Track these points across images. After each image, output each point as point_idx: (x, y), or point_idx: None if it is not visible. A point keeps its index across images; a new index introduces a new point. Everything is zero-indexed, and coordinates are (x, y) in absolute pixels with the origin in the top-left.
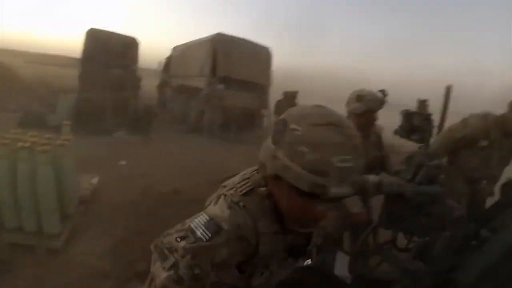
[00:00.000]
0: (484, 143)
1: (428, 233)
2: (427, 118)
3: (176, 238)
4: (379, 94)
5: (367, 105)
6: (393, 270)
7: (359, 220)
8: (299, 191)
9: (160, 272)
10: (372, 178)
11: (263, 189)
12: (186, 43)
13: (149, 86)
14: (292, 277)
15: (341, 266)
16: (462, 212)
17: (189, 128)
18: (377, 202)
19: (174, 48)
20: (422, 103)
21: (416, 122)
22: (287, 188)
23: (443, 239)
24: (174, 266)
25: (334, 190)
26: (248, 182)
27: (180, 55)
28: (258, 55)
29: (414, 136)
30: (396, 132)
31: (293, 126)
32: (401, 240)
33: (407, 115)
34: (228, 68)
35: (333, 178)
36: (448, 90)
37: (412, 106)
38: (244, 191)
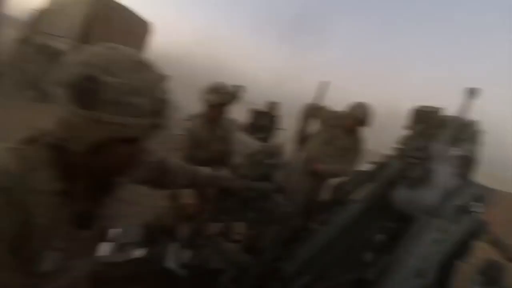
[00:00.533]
0: (323, 136)
1: (257, 226)
2: (272, 119)
3: None
4: (233, 89)
5: (220, 98)
6: (222, 262)
7: (191, 211)
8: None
9: None
10: (203, 170)
11: (48, 137)
12: None
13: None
14: (120, 270)
15: (173, 258)
16: (290, 207)
17: (43, 96)
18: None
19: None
20: (272, 105)
21: (263, 121)
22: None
23: (271, 232)
24: None
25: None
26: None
27: (53, 10)
28: (137, 27)
29: (259, 134)
30: (243, 129)
31: (107, 79)
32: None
33: (256, 114)
34: (101, 35)
35: (158, 114)
36: (322, 85)
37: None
38: (25, 138)
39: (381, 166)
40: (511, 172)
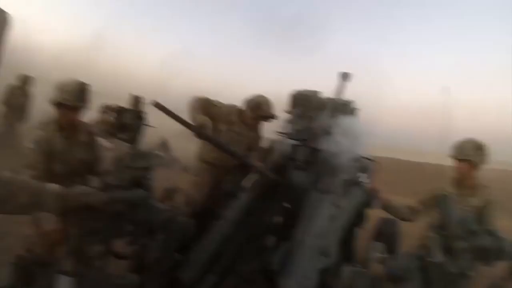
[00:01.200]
0: (223, 127)
1: (139, 239)
2: (139, 116)
3: None
4: (80, 86)
5: (61, 97)
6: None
7: (55, 238)
8: None
9: None
10: (52, 187)
11: None
12: None
13: None
14: None
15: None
16: (173, 212)
17: None
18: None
19: None
20: (136, 100)
21: (127, 119)
22: None
23: (157, 243)
24: None
25: None
26: None
27: None
28: None
29: (123, 134)
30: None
31: None
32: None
33: (119, 112)
34: None
35: None
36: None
37: None
38: None
39: (266, 151)
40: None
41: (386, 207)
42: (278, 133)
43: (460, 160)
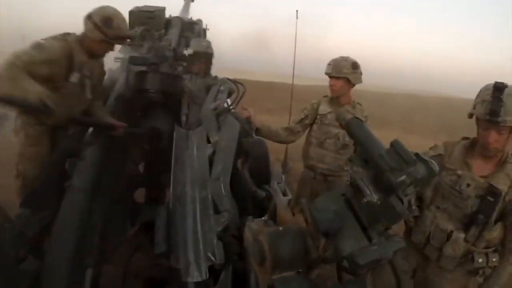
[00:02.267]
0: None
1: None
2: None
3: None
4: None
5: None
6: None
7: None
8: None
9: None
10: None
11: None
12: None
13: None
14: None
15: None
16: None
17: None
18: None
19: None
20: None
21: None
22: None
23: None
24: None
25: None
26: None
27: None
28: None
29: None
30: None
31: None
32: None
33: None
34: None
35: None
36: None
37: None
38: None
39: (110, 83)
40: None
41: (263, 133)
42: (117, 59)
43: (337, 78)
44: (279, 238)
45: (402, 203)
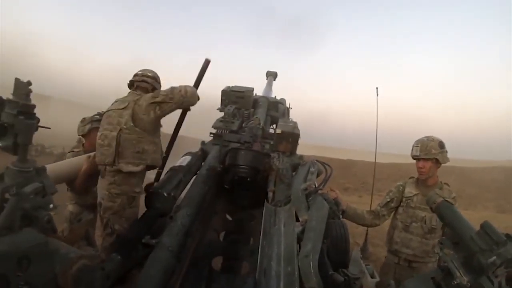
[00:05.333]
0: None
1: None
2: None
3: None
4: None
5: None
6: None
7: None
8: None
9: None
10: None
11: None
12: None
13: None
14: None
15: None
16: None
17: None
18: None
19: None
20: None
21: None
22: None
23: None
24: None
25: None
26: None
27: None
28: None
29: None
30: None
31: None
32: None
33: None
34: None
35: None
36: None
37: None
38: None
39: (202, 155)
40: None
41: (349, 215)
42: (211, 134)
43: (425, 159)
44: None
45: (493, 284)
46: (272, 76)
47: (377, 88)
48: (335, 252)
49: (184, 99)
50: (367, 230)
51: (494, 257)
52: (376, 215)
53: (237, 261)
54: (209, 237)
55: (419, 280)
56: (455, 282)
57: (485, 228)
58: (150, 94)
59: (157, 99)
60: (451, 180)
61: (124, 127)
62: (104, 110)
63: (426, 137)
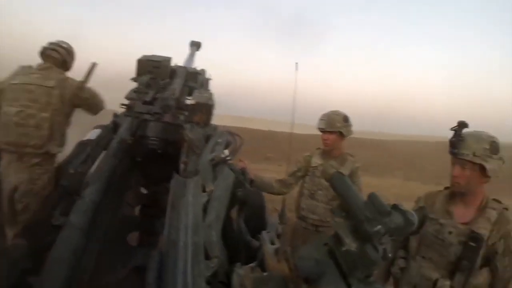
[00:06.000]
0: None
1: None
2: None
3: None
4: None
5: None
6: None
7: None
8: None
9: None
10: None
11: None
12: None
13: None
14: None
15: None
16: None
17: None
18: None
19: None
20: None
21: None
22: None
23: None
24: None
25: None
26: None
27: None
28: None
29: None
30: None
31: None
32: None
33: None
34: None
35: None
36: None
37: None
38: None
39: (114, 127)
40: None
41: (257, 184)
42: (122, 105)
43: (329, 132)
44: (262, 284)
45: (377, 251)
46: (195, 46)
47: (296, 63)
48: (253, 219)
49: (98, 108)
50: (284, 197)
51: (379, 226)
52: (283, 183)
53: (154, 235)
54: (123, 212)
55: (314, 245)
56: (344, 248)
57: (372, 198)
58: (76, 84)
59: (81, 95)
60: (375, 152)
61: (55, 108)
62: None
63: (331, 111)
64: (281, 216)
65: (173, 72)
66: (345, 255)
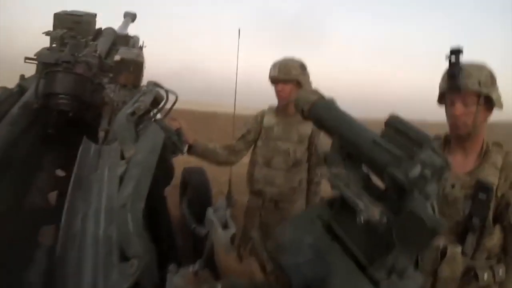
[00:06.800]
0: None
1: None
2: None
3: None
4: None
5: None
6: None
7: None
8: None
9: None
10: None
11: None
12: None
13: None
14: None
15: None
16: None
17: None
18: None
19: None
20: None
21: None
22: None
23: None
24: None
25: None
26: None
27: None
28: None
29: None
30: None
31: None
32: None
33: None
34: None
35: None
36: None
37: None
38: None
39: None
40: None
41: (198, 151)
42: (28, 59)
43: (284, 82)
44: None
45: (433, 209)
46: (129, 17)
47: (239, 29)
48: (197, 203)
49: None
50: (230, 176)
51: (419, 166)
52: (231, 150)
53: None
54: (32, 201)
55: (300, 222)
56: (359, 220)
57: (395, 124)
58: None
59: None
60: None
61: None
62: None
63: (285, 57)
64: (228, 198)
65: (99, 32)
66: (363, 231)
